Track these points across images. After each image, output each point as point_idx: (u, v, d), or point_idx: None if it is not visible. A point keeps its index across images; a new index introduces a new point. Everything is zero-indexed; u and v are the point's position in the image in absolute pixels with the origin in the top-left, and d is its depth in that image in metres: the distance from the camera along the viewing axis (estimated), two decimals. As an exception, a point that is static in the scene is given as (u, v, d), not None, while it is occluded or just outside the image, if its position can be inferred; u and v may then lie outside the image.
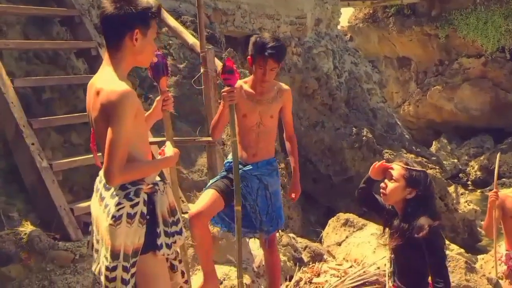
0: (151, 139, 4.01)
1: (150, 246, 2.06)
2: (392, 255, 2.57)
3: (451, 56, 14.86)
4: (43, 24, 4.76)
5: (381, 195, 2.55)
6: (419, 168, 2.58)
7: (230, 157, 3.09)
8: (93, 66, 4.46)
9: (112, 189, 2.02)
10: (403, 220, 2.48)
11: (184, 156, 5.06)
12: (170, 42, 5.91)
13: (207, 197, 2.97)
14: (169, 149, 2.19)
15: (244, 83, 3.04)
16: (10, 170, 3.70)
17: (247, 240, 4.00)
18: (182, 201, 4.21)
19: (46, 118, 3.95)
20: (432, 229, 2.36)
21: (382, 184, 2.54)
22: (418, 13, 14.79)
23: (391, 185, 2.50)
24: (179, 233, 2.16)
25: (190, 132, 5.15)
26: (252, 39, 2.98)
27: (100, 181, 2.11)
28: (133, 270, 2.02)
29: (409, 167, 2.51)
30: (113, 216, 1.98)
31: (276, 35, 3.15)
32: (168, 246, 2.10)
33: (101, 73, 2.07)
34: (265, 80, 2.93)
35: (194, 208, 3.02)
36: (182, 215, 3.88)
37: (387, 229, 2.64)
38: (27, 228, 3.41)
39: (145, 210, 2.03)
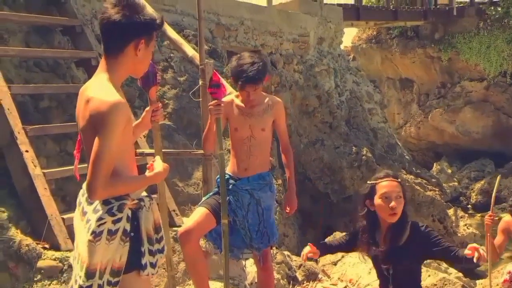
0: (146, 150, 3.97)
1: (134, 265, 1.95)
2: (390, 271, 2.52)
3: (453, 79, 14.92)
4: (45, 33, 4.77)
5: (391, 215, 2.48)
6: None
7: (223, 171, 3.05)
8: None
9: (95, 204, 1.92)
10: (397, 233, 2.48)
11: (180, 169, 5.03)
12: (172, 55, 5.92)
13: (197, 215, 2.93)
14: (158, 164, 2.05)
15: (236, 97, 3.05)
16: (4, 177, 3.66)
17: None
18: (176, 214, 4.16)
19: (42, 126, 3.92)
20: (423, 227, 2.50)
21: (393, 205, 2.45)
22: (421, 35, 14.90)
23: (399, 202, 2.47)
24: (161, 251, 2.06)
25: (187, 144, 5.12)
26: (232, 62, 2.98)
27: (82, 194, 2.01)
28: None
29: (400, 179, 2.53)
30: (93, 232, 1.87)
31: (255, 53, 3.12)
32: (153, 265, 2.00)
33: (94, 80, 1.99)
34: (251, 101, 2.96)
35: (184, 225, 2.98)
36: (175, 229, 3.86)
37: (371, 250, 2.60)
38: (17, 236, 3.36)
39: (128, 227, 1.92)
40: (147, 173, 2.04)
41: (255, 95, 2.94)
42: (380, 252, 2.49)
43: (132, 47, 1.93)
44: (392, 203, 2.45)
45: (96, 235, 1.87)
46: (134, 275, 1.96)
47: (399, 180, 2.53)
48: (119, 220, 1.90)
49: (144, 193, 2.09)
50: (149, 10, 2.01)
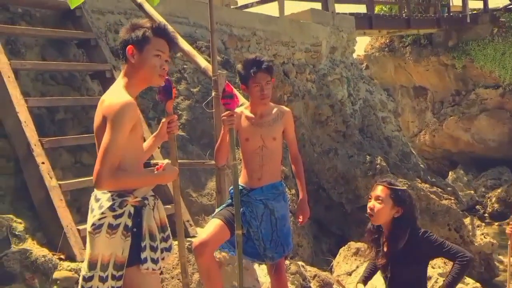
0: (159, 161, 4.00)
1: (135, 260, 2.07)
2: (387, 274, 2.55)
3: (468, 87, 14.79)
4: (60, 46, 4.85)
5: (369, 216, 2.56)
6: (401, 186, 2.62)
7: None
8: (107, 88, 4.42)
9: (101, 200, 2.06)
10: (393, 239, 2.50)
11: (194, 179, 5.05)
12: (185, 66, 5.98)
13: (211, 226, 2.95)
14: (168, 166, 2.21)
15: (245, 109, 3.10)
16: (21, 188, 3.72)
17: (253, 266, 3.93)
18: (190, 224, 4.17)
19: (57, 138, 3.98)
20: (428, 235, 2.49)
21: (370, 205, 2.54)
22: (434, 43, 14.82)
23: (378, 206, 2.52)
24: (168, 249, 2.19)
25: (201, 155, 5.14)
26: (239, 64, 3.08)
27: (92, 195, 2.14)
28: (118, 284, 2.03)
29: (393, 186, 2.54)
30: (93, 224, 2.02)
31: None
32: (154, 261, 2.10)
33: (112, 86, 2.21)
34: (264, 96, 2.97)
35: (198, 237, 3.01)
36: (189, 239, 3.87)
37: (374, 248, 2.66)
38: (33, 247, 3.40)
39: (129, 222, 2.05)
40: (154, 172, 2.18)
41: (268, 91, 2.98)
42: (381, 257, 2.52)
43: (128, 54, 2.16)
44: (369, 204, 2.54)
45: (96, 227, 2.02)
46: (135, 269, 2.08)
47: (393, 187, 2.55)
48: (120, 215, 2.03)
49: (151, 193, 2.21)
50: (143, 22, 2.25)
